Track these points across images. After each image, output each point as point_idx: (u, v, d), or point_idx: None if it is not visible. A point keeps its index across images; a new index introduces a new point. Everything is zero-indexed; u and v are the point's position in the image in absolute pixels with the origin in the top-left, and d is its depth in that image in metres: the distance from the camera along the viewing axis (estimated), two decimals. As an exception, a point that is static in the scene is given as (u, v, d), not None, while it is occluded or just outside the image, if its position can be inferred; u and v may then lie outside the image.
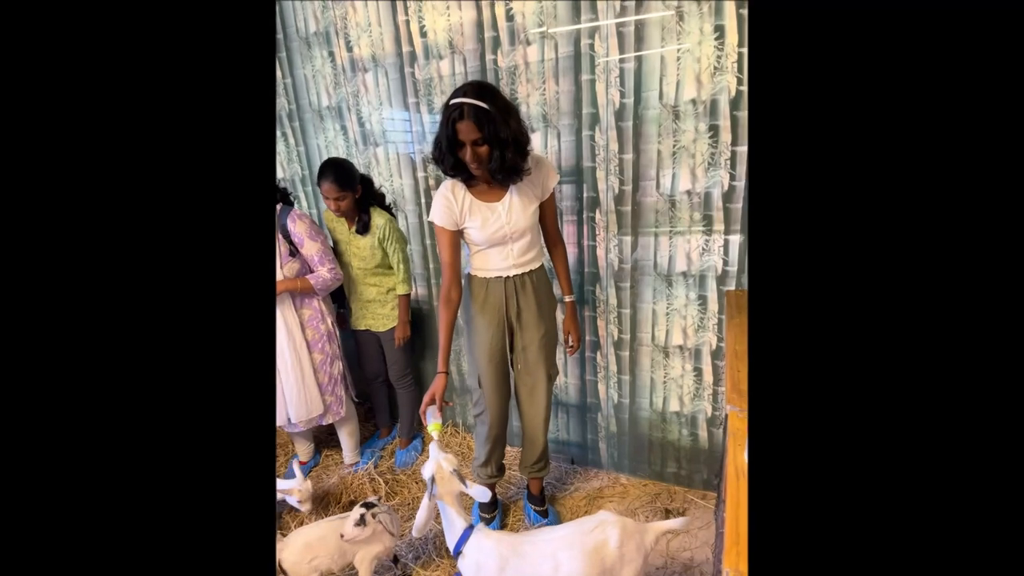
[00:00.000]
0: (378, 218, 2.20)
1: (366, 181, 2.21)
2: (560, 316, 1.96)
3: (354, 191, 2.13)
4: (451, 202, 1.64)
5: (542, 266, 1.80)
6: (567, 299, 1.89)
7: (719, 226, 1.82)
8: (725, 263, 1.86)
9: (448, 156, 1.55)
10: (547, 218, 1.78)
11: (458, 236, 1.70)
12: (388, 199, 2.37)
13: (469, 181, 1.64)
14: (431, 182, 2.31)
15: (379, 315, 2.36)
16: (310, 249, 2.09)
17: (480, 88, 1.49)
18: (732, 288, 1.87)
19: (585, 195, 2.00)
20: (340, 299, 2.48)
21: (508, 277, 1.74)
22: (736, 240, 1.82)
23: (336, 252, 2.29)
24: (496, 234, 1.67)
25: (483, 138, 1.48)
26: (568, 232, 2.06)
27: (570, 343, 1.93)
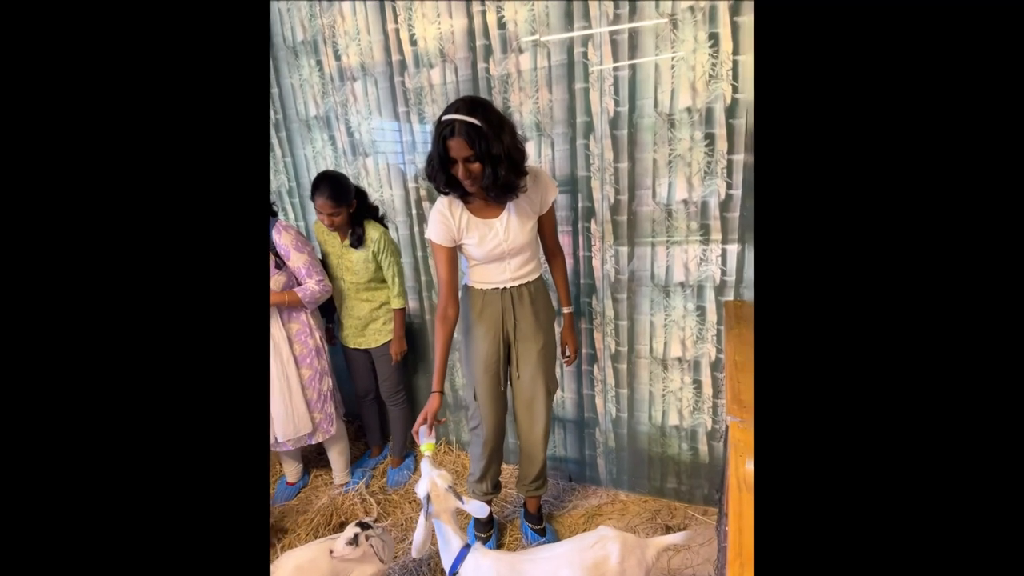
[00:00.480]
0: (372, 231, 2.15)
1: (360, 194, 2.17)
2: (559, 329, 1.92)
3: (349, 205, 2.09)
4: (448, 219, 1.61)
5: (540, 277, 1.77)
6: (565, 311, 1.87)
7: (716, 235, 1.80)
8: (723, 273, 1.83)
9: (441, 174, 1.52)
10: (546, 231, 1.76)
11: (455, 252, 1.67)
12: (379, 211, 2.33)
13: (465, 197, 1.61)
14: (422, 193, 2.27)
15: (371, 331, 2.31)
16: (297, 261, 2.04)
17: (472, 104, 1.46)
18: (730, 298, 1.85)
19: (580, 205, 1.97)
20: (328, 313, 2.43)
21: (505, 288, 1.71)
22: (734, 250, 1.80)
23: (326, 266, 2.23)
24: (494, 251, 1.64)
25: (475, 155, 1.45)
26: (564, 243, 2.01)
27: (567, 354, 1.90)
